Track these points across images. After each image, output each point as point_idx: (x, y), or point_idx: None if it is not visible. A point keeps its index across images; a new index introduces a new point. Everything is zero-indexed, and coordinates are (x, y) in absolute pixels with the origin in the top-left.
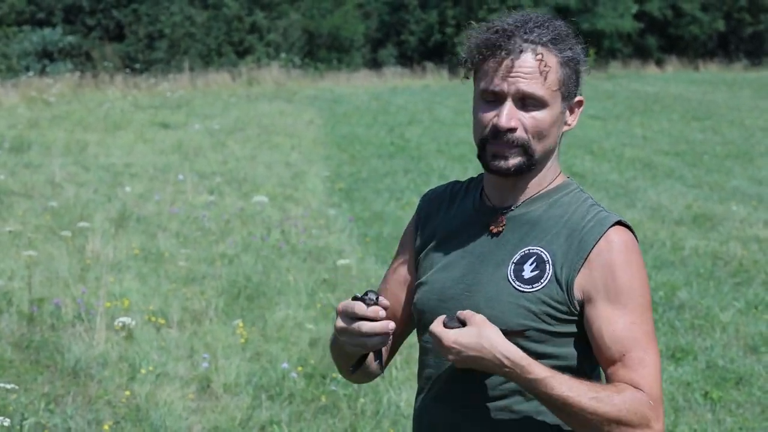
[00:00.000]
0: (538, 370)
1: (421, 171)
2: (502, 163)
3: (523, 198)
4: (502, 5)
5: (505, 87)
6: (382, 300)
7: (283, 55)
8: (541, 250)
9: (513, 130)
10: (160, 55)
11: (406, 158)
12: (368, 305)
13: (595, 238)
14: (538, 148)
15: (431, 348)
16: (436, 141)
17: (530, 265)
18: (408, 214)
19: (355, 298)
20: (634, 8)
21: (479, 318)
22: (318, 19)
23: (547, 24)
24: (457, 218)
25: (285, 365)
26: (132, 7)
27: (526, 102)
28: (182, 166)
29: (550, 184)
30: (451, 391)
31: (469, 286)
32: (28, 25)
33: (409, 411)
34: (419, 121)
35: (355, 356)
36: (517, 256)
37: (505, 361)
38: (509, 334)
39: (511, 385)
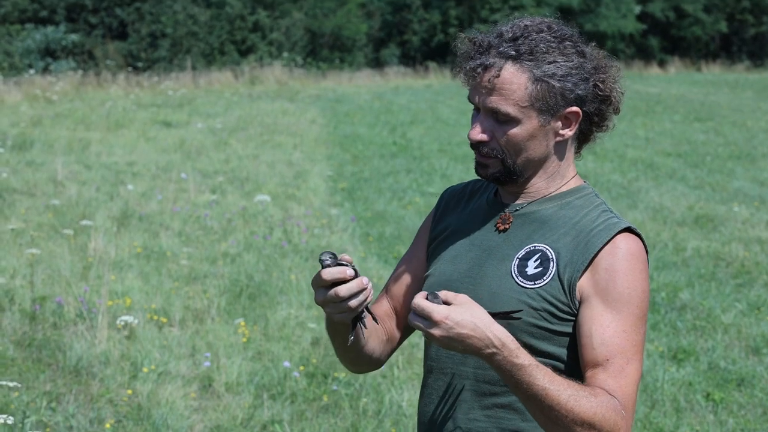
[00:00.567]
0: (524, 356)
1: (424, 171)
2: (482, 172)
3: (530, 199)
4: (504, 5)
5: (477, 100)
6: (343, 256)
7: (285, 54)
8: (547, 247)
9: (484, 142)
10: (162, 53)
11: (408, 158)
12: (324, 266)
13: (602, 242)
14: (517, 159)
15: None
16: (438, 141)
17: (534, 261)
18: (410, 214)
19: (321, 263)
20: (637, 9)
21: (465, 297)
22: (320, 18)
23: (527, 35)
24: (471, 214)
25: (287, 364)
26: (135, 6)
27: (498, 117)
28: (184, 165)
29: (561, 187)
30: (452, 386)
31: (473, 279)
32: (31, 23)
33: (411, 410)
34: (421, 120)
35: (348, 328)
36: (522, 252)
37: (495, 341)
38: (496, 315)
39: None
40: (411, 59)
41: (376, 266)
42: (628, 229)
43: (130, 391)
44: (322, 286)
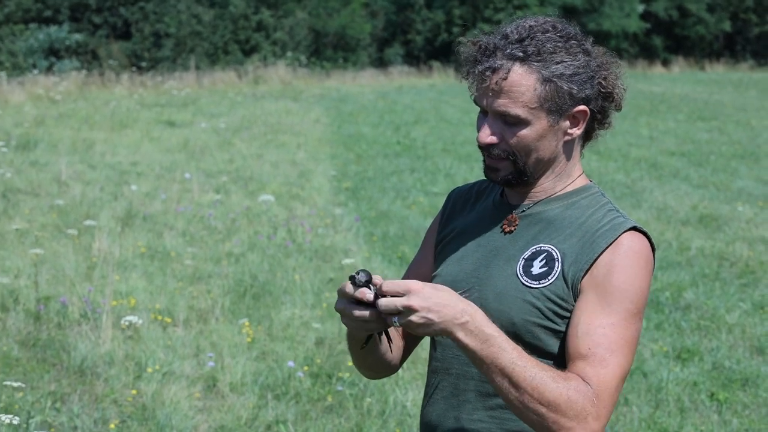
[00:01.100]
0: (493, 327)
1: (428, 170)
2: (493, 175)
3: (537, 199)
4: (508, 4)
5: (484, 103)
6: (376, 278)
7: (289, 53)
8: (552, 247)
9: (493, 145)
10: (166, 53)
11: (412, 157)
12: (357, 286)
13: (608, 242)
14: (528, 161)
15: (440, 342)
16: (442, 140)
17: (540, 261)
18: (414, 213)
19: (351, 278)
20: (640, 8)
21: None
22: (324, 18)
23: (533, 36)
24: (477, 214)
25: (291, 364)
26: (138, 5)
27: (506, 119)
28: (188, 165)
29: (567, 186)
30: (456, 387)
31: (480, 280)
32: (35, 23)
33: (415, 411)
34: (425, 120)
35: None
36: (528, 253)
37: (468, 309)
38: None
39: None
40: (415, 59)
41: (380, 266)
42: (634, 228)
43: (134, 391)
44: (342, 296)
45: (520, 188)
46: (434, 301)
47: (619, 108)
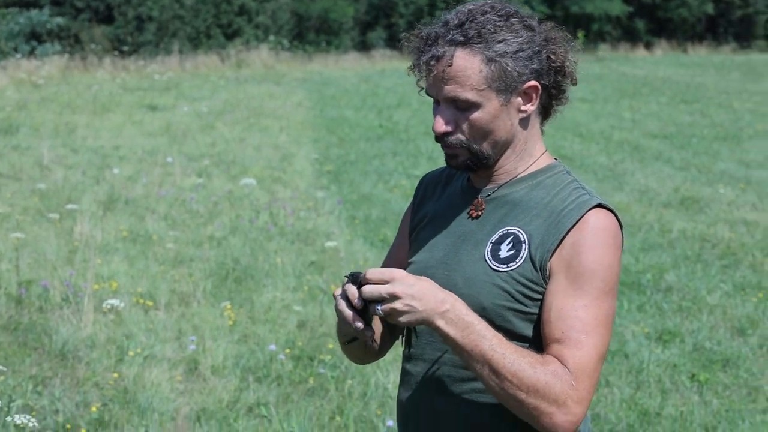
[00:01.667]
0: (473, 315)
1: (410, 153)
2: (453, 162)
3: (501, 182)
4: None
5: (434, 92)
6: (362, 277)
7: (271, 37)
8: (519, 230)
9: (449, 133)
10: (148, 37)
11: (394, 140)
12: (351, 281)
13: (573, 221)
14: (483, 145)
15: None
16: (424, 123)
17: (507, 245)
18: (396, 197)
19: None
20: None
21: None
22: (306, 1)
23: (472, 19)
24: (447, 200)
25: (272, 347)
26: None
27: (458, 104)
28: (171, 149)
29: (532, 165)
30: (432, 371)
31: (449, 266)
32: (16, 6)
33: (396, 392)
34: (408, 103)
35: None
36: (495, 236)
37: (448, 298)
38: None
39: None
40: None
41: (362, 249)
42: (599, 205)
43: (116, 375)
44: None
45: (482, 172)
46: (417, 288)
47: (574, 82)
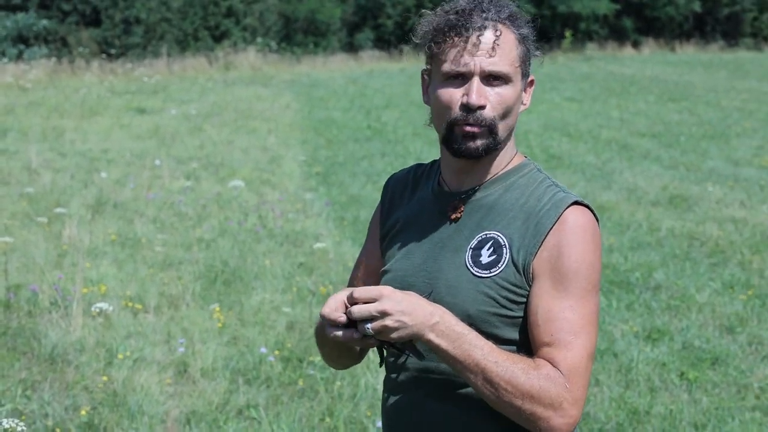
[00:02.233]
0: (463, 326)
1: (398, 154)
2: (471, 144)
3: (481, 181)
4: None
5: (471, 65)
6: (349, 297)
7: (259, 39)
8: (498, 234)
9: (483, 107)
10: (136, 40)
11: (383, 141)
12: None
13: (552, 221)
14: (501, 126)
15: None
16: (412, 124)
17: (487, 250)
18: None
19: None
20: None
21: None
22: (294, 2)
23: (500, 2)
24: (418, 204)
25: (262, 349)
26: None
27: (492, 79)
28: (159, 152)
29: (507, 165)
30: (420, 377)
31: (429, 274)
32: (2, 10)
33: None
34: (396, 104)
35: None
36: (474, 242)
37: (437, 311)
38: None
39: None
40: (385, 43)
41: (351, 250)
42: (576, 203)
43: (105, 378)
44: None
45: (476, 163)
46: (406, 304)
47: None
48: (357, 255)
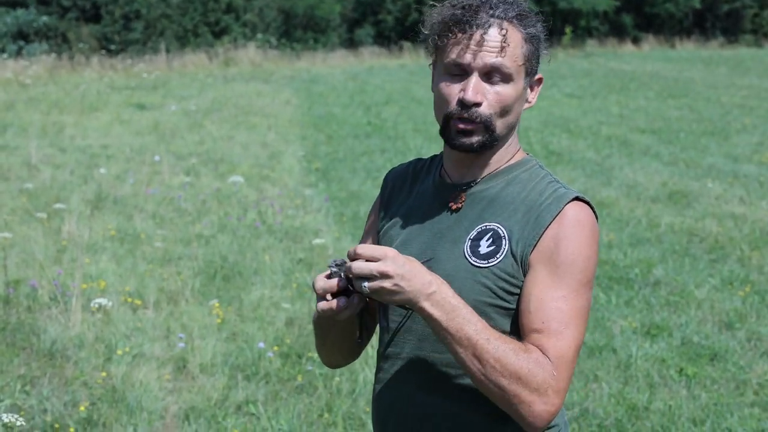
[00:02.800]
0: (459, 299)
1: (398, 150)
2: (466, 140)
3: (482, 174)
4: None
5: (472, 60)
6: (351, 252)
7: (259, 35)
8: (498, 225)
9: (478, 104)
10: (136, 36)
11: (382, 138)
12: (330, 273)
13: (552, 215)
14: (499, 124)
15: (390, 327)
16: (412, 120)
17: (486, 240)
18: None
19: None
20: None
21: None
22: None
23: (511, 1)
24: (418, 196)
25: (261, 345)
26: None
27: (492, 76)
28: (158, 147)
29: (509, 160)
30: (411, 369)
31: (427, 263)
32: (2, 6)
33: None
34: (396, 100)
35: (335, 332)
36: (473, 233)
37: (436, 280)
38: None
39: None
40: (386, 39)
41: (350, 246)
42: (577, 198)
43: (104, 374)
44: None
45: (476, 157)
46: (407, 269)
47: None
48: None
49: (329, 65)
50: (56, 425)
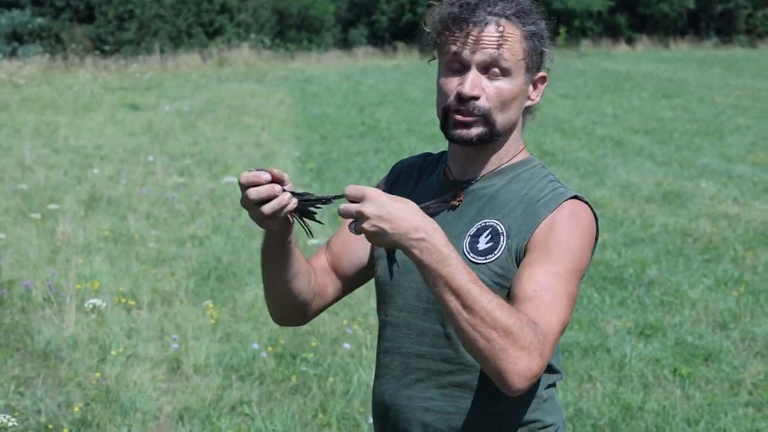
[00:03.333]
0: (452, 249)
1: (392, 151)
2: (464, 132)
3: (483, 171)
4: None
5: (469, 57)
6: (272, 170)
7: (253, 35)
8: (497, 222)
9: (476, 98)
10: (130, 36)
11: (376, 138)
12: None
13: (550, 209)
14: (499, 118)
15: (389, 321)
16: (406, 121)
17: (485, 237)
18: None
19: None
20: None
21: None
22: None
23: None
24: (422, 192)
25: (255, 345)
26: None
27: (491, 71)
28: (152, 148)
29: (512, 158)
30: (408, 366)
31: None
32: None
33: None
34: (390, 101)
35: (274, 251)
36: (473, 229)
37: (426, 227)
38: (428, 208)
39: (469, 359)
40: (379, 39)
41: None
42: (576, 197)
43: (98, 374)
44: (243, 189)
45: (478, 152)
46: (388, 210)
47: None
48: None
49: (323, 65)
50: (50, 426)
